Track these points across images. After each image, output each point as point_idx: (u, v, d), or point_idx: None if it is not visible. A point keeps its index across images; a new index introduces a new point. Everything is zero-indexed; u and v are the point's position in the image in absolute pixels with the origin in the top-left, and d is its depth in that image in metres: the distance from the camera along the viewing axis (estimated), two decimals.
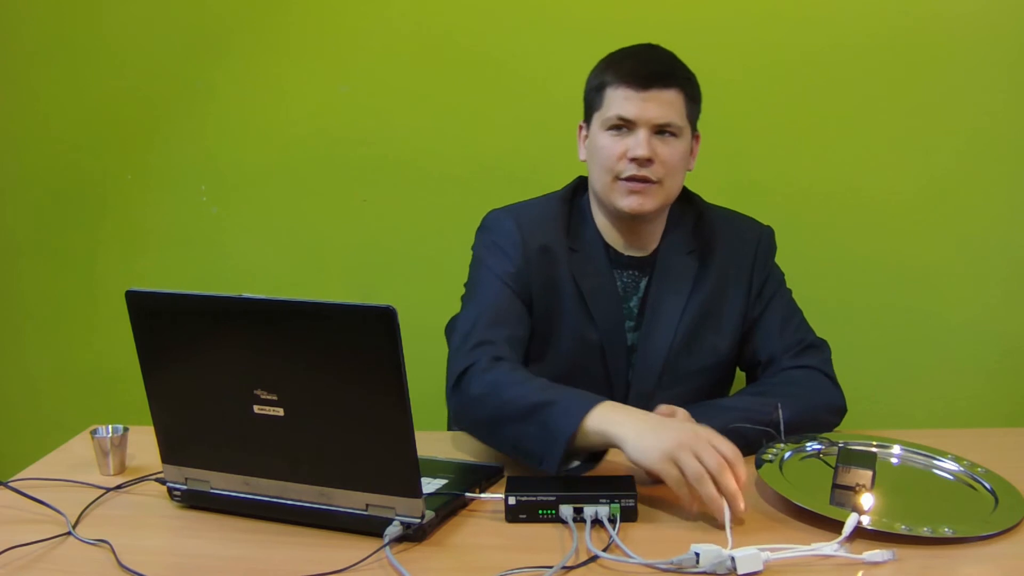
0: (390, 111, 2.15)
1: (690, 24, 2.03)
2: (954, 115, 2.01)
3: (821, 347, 1.59)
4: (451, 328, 1.53)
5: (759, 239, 1.62)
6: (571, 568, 1.09)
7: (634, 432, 1.22)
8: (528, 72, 2.10)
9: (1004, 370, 2.08)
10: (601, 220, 1.58)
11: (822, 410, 1.50)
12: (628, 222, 1.55)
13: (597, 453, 1.32)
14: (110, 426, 1.42)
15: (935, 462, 1.37)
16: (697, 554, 1.07)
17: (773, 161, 2.06)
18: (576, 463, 1.31)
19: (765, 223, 1.65)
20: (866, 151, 2.05)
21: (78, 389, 2.36)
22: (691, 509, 1.20)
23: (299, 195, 2.21)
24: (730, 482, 1.16)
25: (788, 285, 1.65)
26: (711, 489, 1.16)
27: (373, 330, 1.09)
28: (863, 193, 2.06)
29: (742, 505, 1.17)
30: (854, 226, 2.07)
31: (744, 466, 1.19)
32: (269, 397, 1.16)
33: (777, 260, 1.66)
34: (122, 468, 1.41)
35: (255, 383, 1.16)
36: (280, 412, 1.16)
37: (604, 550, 1.12)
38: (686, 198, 1.62)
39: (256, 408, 1.17)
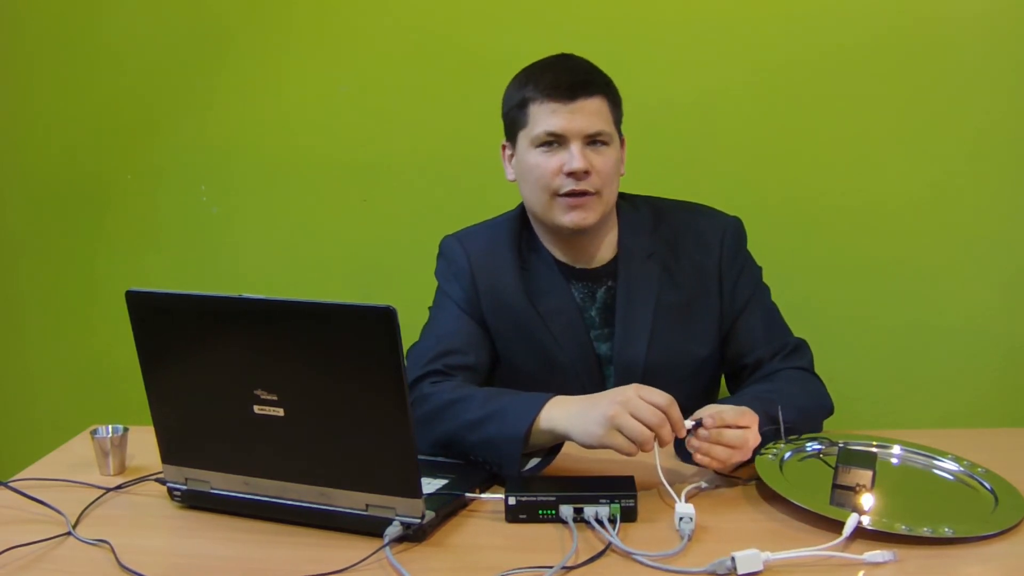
0: (390, 111, 2.15)
1: (691, 25, 2.03)
2: (956, 117, 2.01)
3: (804, 348, 1.57)
4: (408, 356, 1.53)
5: (723, 233, 1.56)
6: (571, 568, 1.09)
7: (572, 422, 1.28)
8: None
9: (1004, 371, 2.08)
10: (545, 238, 1.56)
11: (822, 411, 1.50)
12: (570, 237, 1.53)
13: (554, 447, 1.37)
14: (110, 426, 1.42)
15: (935, 462, 1.37)
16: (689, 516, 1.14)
17: (774, 163, 2.06)
18: (535, 460, 1.35)
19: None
20: (868, 153, 2.04)
21: (78, 389, 2.36)
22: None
23: (299, 195, 2.21)
24: (667, 436, 1.23)
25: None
26: (652, 448, 1.23)
27: (373, 330, 1.09)
28: (865, 195, 2.05)
29: (682, 433, 1.25)
30: (855, 228, 2.07)
31: (677, 407, 1.25)
32: (269, 397, 1.16)
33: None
34: (122, 468, 1.41)
35: (255, 383, 1.16)
36: (280, 412, 1.16)
37: (604, 550, 1.12)
38: (639, 202, 1.60)
39: (256, 408, 1.17)
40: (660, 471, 1.25)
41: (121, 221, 2.28)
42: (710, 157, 2.06)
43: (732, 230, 1.58)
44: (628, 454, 1.23)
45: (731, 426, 1.26)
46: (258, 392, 1.16)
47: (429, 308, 1.62)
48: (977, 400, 2.09)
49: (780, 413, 1.35)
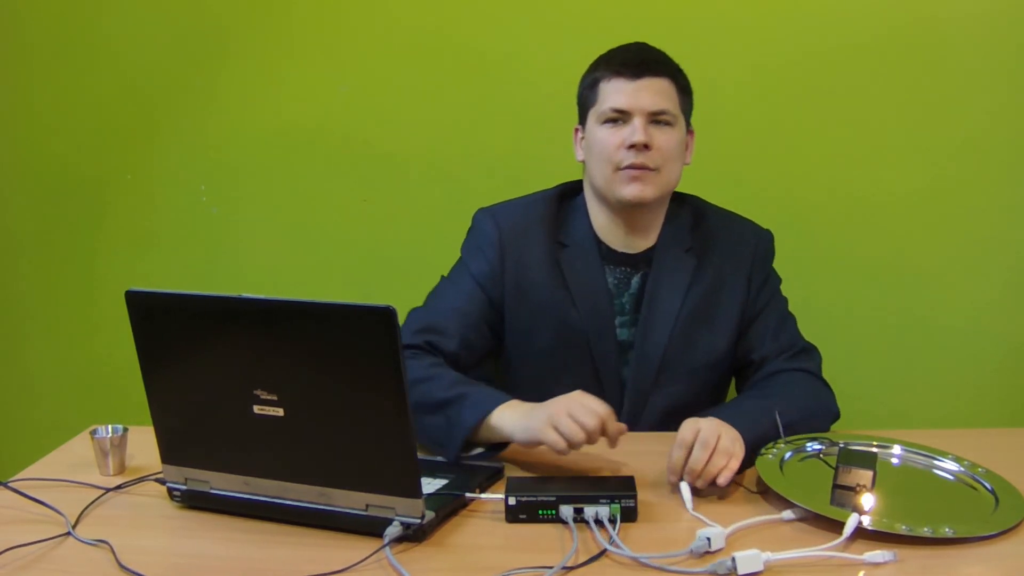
0: (390, 110, 2.15)
1: (690, 24, 2.03)
2: (955, 116, 2.01)
3: (813, 352, 1.59)
4: (406, 318, 1.55)
5: (758, 242, 1.63)
6: (571, 568, 1.09)
7: (516, 423, 1.33)
8: (528, 71, 2.10)
9: (1004, 370, 2.08)
10: (599, 218, 1.59)
11: (824, 415, 1.50)
12: (628, 213, 1.56)
13: (499, 444, 1.39)
14: (110, 426, 1.42)
15: (935, 462, 1.37)
16: (708, 539, 1.11)
17: (773, 163, 2.06)
18: (478, 450, 1.38)
19: (766, 224, 1.66)
20: (869, 153, 2.04)
21: (78, 389, 2.36)
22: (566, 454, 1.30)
23: (299, 195, 2.21)
24: (596, 440, 1.29)
25: (789, 285, 1.65)
26: (583, 444, 1.28)
27: (373, 330, 1.09)
28: (864, 194, 2.05)
29: (615, 445, 1.32)
30: (855, 227, 2.07)
31: (614, 418, 1.31)
32: (269, 397, 1.15)
33: (778, 260, 1.66)
34: (122, 468, 1.41)
35: (255, 383, 1.16)
36: (280, 412, 1.16)
37: (604, 550, 1.12)
38: (684, 199, 1.64)
39: (256, 408, 1.17)
40: (688, 498, 1.24)
41: (121, 221, 2.28)
42: (709, 156, 2.05)
43: (766, 241, 1.64)
44: (559, 450, 1.28)
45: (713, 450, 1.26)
46: (258, 392, 1.16)
47: (442, 276, 1.62)
48: (977, 400, 2.09)
49: (779, 418, 1.36)
